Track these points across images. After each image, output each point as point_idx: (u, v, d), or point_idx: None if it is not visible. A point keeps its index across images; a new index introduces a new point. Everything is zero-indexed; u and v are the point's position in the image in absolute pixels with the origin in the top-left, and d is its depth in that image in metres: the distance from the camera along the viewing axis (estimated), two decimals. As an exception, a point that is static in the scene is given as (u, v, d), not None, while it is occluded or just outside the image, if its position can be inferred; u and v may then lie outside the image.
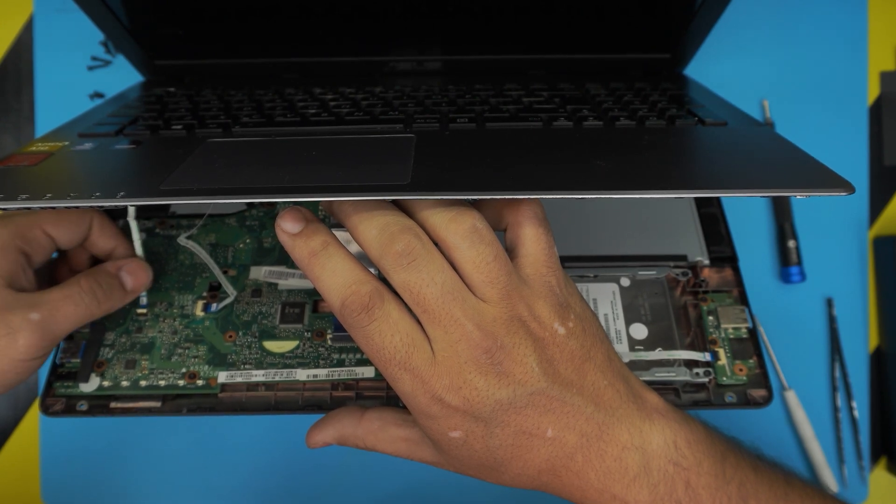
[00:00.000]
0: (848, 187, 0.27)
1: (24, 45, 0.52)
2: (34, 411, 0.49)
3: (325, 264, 0.27)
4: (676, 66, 0.48)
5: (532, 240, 0.28)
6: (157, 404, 0.35)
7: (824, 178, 0.28)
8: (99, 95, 0.51)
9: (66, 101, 0.51)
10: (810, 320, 0.49)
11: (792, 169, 0.30)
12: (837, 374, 0.48)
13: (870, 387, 0.49)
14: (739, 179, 0.28)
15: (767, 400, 0.35)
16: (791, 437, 0.48)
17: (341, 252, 0.27)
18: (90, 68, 0.52)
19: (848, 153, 0.51)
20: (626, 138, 0.33)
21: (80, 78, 0.52)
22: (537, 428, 0.26)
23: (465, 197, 0.27)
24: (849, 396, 0.48)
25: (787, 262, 0.49)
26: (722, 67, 0.52)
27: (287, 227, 0.28)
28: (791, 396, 0.47)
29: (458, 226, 0.26)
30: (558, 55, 0.47)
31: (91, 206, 0.28)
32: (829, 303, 0.49)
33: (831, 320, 0.49)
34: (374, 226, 0.26)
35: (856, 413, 0.48)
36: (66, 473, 0.48)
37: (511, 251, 0.29)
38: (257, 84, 0.46)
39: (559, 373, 0.26)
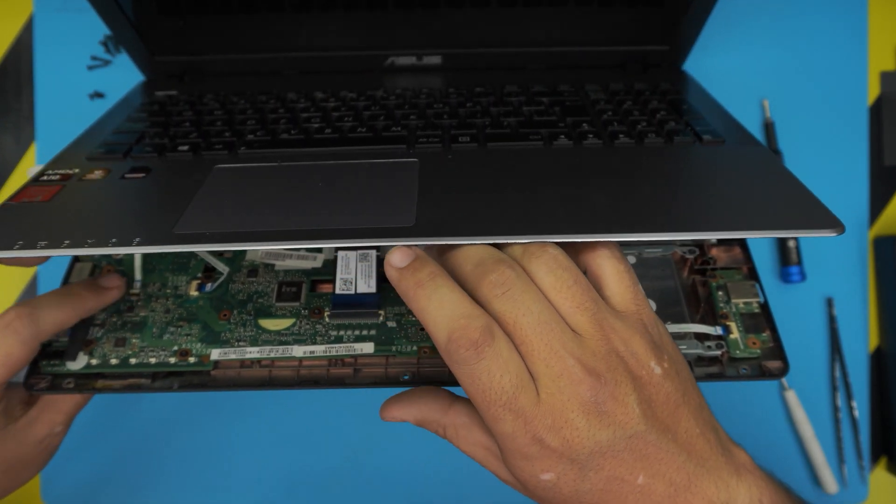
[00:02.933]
0: (839, 227, 0.28)
1: (24, 45, 0.52)
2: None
3: (431, 295, 0.26)
4: (675, 58, 0.48)
5: (614, 278, 0.27)
6: (147, 381, 0.34)
7: (816, 217, 0.29)
8: (99, 95, 0.51)
9: (66, 101, 0.51)
10: (810, 320, 0.49)
11: (784, 203, 0.30)
12: (837, 373, 0.48)
13: (870, 387, 0.49)
14: (731, 219, 0.29)
15: (783, 371, 0.34)
16: (791, 437, 0.48)
17: (449, 283, 0.26)
18: (90, 68, 0.52)
19: (848, 153, 0.51)
20: (624, 164, 0.34)
21: (80, 78, 0.52)
22: (630, 473, 0.25)
23: (469, 242, 0.27)
24: (849, 396, 0.48)
25: (787, 261, 0.49)
26: (722, 68, 0.52)
27: (395, 262, 0.27)
28: (791, 396, 0.47)
29: (533, 256, 0.26)
30: (557, 48, 0.47)
31: (107, 253, 0.30)
32: (829, 303, 0.49)
33: (831, 320, 0.49)
34: (470, 261, 0.26)
35: (856, 413, 0.48)
36: (66, 473, 0.48)
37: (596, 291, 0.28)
38: (258, 85, 0.46)
39: (657, 416, 0.25)
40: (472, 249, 0.27)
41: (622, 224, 0.28)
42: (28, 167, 0.51)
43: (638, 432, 0.25)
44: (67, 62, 0.52)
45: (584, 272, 0.28)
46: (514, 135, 0.37)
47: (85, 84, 0.52)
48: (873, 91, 0.52)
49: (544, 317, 0.25)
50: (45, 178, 0.35)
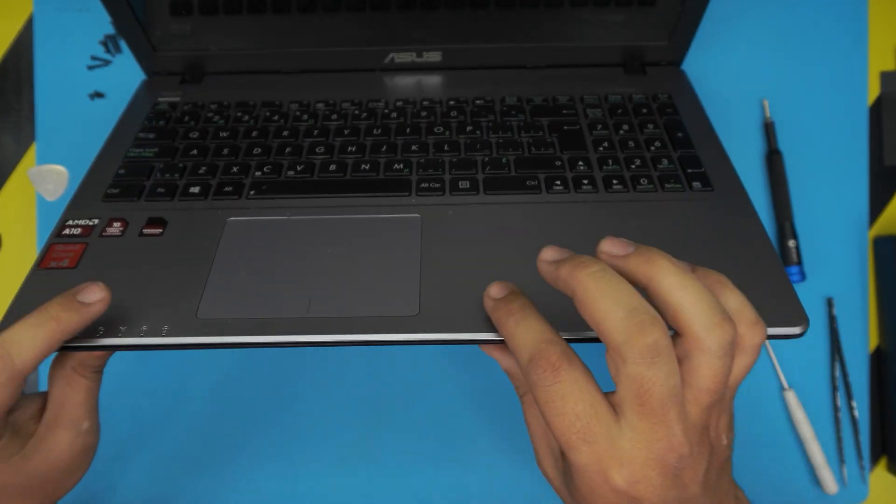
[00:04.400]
0: (804, 324, 0.30)
1: (24, 44, 0.52)
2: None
3: (520, 321, 0.27)
4: (675, 55, 0.49)
5: (746, 368, 0.28)
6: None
7: (786, 312, 0.30)
8: (99, 95, 0.51)
9: (66, 101, 0.51)
10: (810, 320, 0.49)
11: (758, 291, 0.31)
12: (837, 374, 0.48)
13: (870, 387, 0.49)
14: None
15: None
16: (791, 437, 0.48)
17: (537, 315, 0.28)
18: (90, 68, 0.52)
19: (848, 153, 0.51)
20: (614, 225, 0.36)
21: (80, 78, 0.52)
22: None
23: (467, 338, 0.30)
24: (849, 396, 0.48)
25: (787, 261, 0.49)
26: (722, 67, 0.52)
27: (493, 294, 0.29)
28: (791, 396, 0.47)
29: (722, 334, 0.25)
30: (556, 44, 0.48)
31: (138, 343, 0.30)
32: (829, 303, 0.49)
33: (831, 320, 0.49)
34: (621, 307, 0.25)
35: (856, 413, 0.48)
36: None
37: None
38: (259, 88, 0.47)
39: (711, 481, 0.27)
40: (623, 290, 0.25)
41: None
42: (28, 167, 0.51)
43: (695, 495, 0.26)
44: (67, 62, 0.52)
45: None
46: (512, 181, 0.39)
47: (85, 84, 0.52)
48: (873, 91, 0.52)
49: (675, 391, 0.25)
50: (67, 231, 0.36)
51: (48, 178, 0.50)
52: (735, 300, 0.27)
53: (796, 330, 0.30)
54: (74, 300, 0.29)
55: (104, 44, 0.52)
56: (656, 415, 0.25)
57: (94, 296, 0.30)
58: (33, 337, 0.28)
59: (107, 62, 0.52)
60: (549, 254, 0.28)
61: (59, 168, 0.51)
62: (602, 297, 0.25)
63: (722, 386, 0.26)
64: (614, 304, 0.24)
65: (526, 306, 0.28)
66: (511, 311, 0.28)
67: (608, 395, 0.26)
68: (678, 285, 0.25)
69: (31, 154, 0.51)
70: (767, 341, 0.48)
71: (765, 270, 0.33)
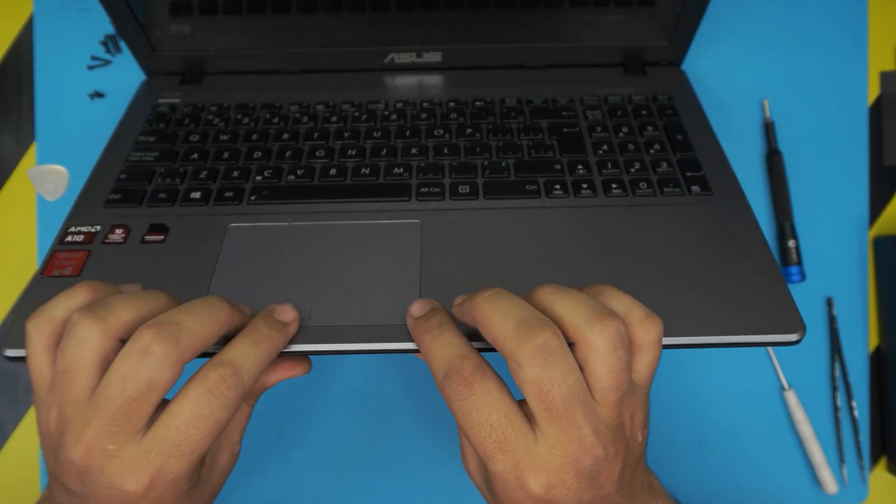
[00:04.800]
0: (801, 332, 0.29)
1: (24, 45, 0.52)
2: (34, 411, 0.49)
3: (435, 338, 0.28)
4: (675, 54, 0.49)
5: (648, 360, 0.28)
6: None
7: (782, 319, 0.30)
8: (99, 95, 0.51)
9: (66, 101, 0.51)
10: (810, 320, 0.49)
11: (755, 297, 0.31)
12: (837, 374, 0.48)
13: (870, 387, 0.49)
14: (701, 323, 0.31)
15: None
16: (791, 437, 0.48)
17: (453, 331, 0.28)
18: (90, 68, 0.52)
19: (848, 153, 0.51)
20: (612, 232, 0.36)
21: (80, 78, 0.52)
22: None
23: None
24: (849, 396, 0.48)
25: (787, 261, 0.49)
26: (722, 67, 0.52)
27: (414, 313, 0.30)
28: (791, 396, 0.47)
29: (605, 329, 0.26)
30: (556, 44, 0.48)
31: None
32: (829, 303, 0.49)
33: (831, 320, 0.49)
34: (511, 318, 0.26)
35: (856, 413, 0.48)
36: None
37: None
38: (259, 89, 0.47)
39: (625, 478, 0.28)
40: (512, 307, 0.26)
41: None
42: (28, 167, 0.51)
43: (609, 493, 0.27)
44: (67, 62, 0.52)
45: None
46: (512, 186, 0.39)
47: (85, 84, 0.52)
48: (873, 91, 0.52)
49: (576, 389, 0.25)
50: (69, 238, 0.36)
51: (48, 178, 0.50)
52: (621, 303, 0.28)
53: (793, 337, 0.30)
54: (276, 319, 0.30)
55: (104, 44, 0.52)
56: (563, 417, 0.25)
57: (289, 315, 0.31)
58: (255, 355, 0.28)
59: (107, 62, 0.52)
60: (457, 299, 0.30)
61: (59, 168, 0.51)
62: (495, 314, 0.26)
63: (622, 380, 0.26)
64: (505, 317, 0.26)
65: (443, 323, 0.28)
66: (428, 328, 0.28)
67: (523, 406, 0.26)
68: (557, 298, 0.27)
69: (31, 154, 0.51)
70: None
71: (763, 277, 0.33)
